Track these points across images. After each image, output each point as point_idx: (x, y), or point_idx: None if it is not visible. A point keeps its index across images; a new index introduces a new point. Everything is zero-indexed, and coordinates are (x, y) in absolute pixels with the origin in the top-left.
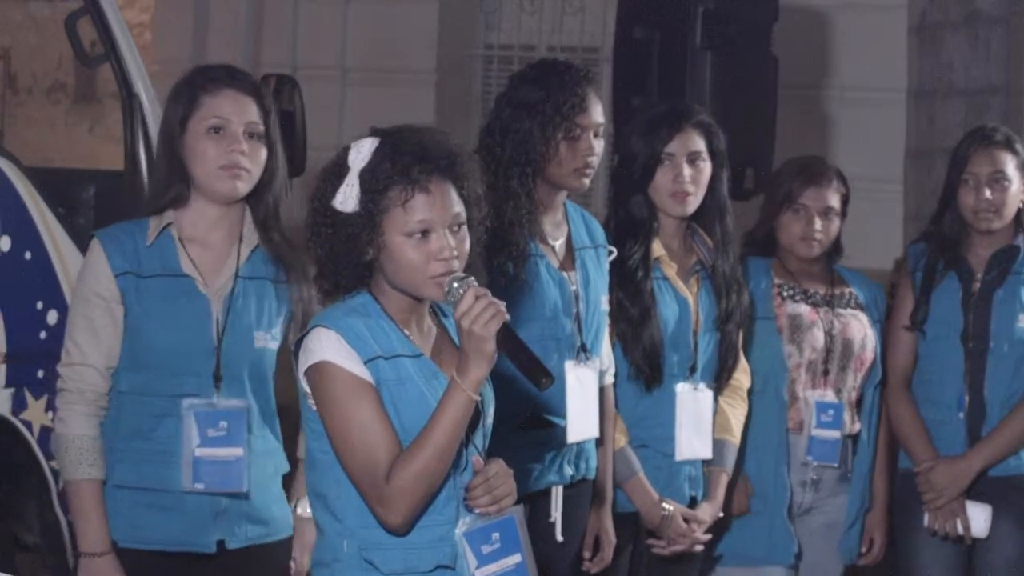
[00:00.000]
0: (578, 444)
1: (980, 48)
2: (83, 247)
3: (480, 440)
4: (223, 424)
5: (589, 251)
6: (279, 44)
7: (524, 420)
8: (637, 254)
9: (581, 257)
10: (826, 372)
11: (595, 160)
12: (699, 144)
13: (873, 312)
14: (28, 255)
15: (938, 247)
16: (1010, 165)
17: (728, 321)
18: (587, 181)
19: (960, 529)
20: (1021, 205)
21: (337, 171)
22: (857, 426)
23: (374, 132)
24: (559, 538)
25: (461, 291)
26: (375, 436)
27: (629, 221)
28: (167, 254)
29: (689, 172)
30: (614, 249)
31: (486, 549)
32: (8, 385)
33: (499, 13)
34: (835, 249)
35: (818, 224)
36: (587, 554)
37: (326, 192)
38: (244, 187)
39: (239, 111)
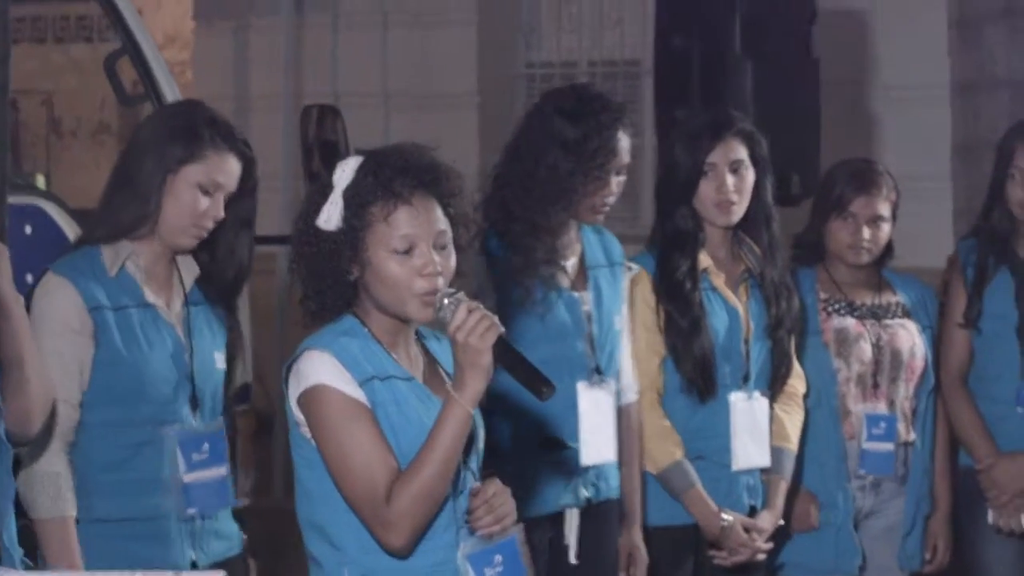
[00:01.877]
0: (595, 466)
1: (1020, 39)
2: None
3: (475, 462)
4: (205, 447)
5: (604, 270)
6: (320, 74)
7: (539, 442)
8: (684, 266)
9: (594, 276)
10: (876, 384)
11: (613, 199)
12: (741, 152)
13: (922, 318)
14: None
15: (988, 242)
16: None
17: (779, 328)
18: (601, 218)
19: None
20: None
21: (321, 191)
22: (913, 435)
23: (359, 152)
24: (572, 560)
25: (453, 306)
26: (373, 459)
27: (675, 233)
28: (131, 285)
29: (732, 181)
30: (632, 265)
31: (489, 572)
32: None
33: (538, 32)
34: (885, 252)
35: (867, 233)
36: (622, 574)
37: (310, 212)
38: (195, 244)
39: (230, 178)
